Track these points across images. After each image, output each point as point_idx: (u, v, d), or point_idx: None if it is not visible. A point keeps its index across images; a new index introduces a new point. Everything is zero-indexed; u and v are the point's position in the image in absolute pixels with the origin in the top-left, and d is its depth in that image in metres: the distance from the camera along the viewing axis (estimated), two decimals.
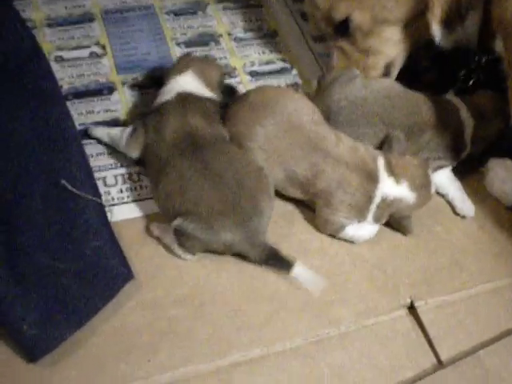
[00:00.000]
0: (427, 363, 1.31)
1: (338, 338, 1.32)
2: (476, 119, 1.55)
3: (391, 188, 1.41)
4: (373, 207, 1.41)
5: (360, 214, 1.41)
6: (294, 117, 1.43)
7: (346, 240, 1.45)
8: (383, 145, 1.48)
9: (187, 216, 1.33)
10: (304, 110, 1.45)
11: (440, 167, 1.53)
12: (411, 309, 1.38)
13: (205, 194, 1.34)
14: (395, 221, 1.45)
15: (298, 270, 1.35)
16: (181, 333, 1.29)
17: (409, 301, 1.38)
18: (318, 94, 1.54)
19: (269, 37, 1.87)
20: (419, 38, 1.58)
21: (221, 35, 1.85)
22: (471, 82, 1.64)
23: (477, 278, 1.43)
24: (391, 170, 1.42)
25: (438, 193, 1.54)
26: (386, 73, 1.62)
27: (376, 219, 1.43)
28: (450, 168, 1.55)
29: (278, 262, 1.36)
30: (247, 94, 1.50)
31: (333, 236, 1.45)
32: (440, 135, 1.52)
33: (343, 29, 1.57)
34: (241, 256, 1.38)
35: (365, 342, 1.32)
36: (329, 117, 1.48)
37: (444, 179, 1.53)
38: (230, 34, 1.85)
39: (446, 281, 1.42)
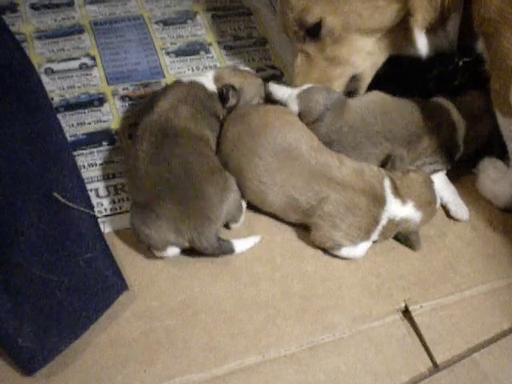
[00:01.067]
0: (423, 367, 1.31)
1: (332, 344, 1.32)
2: (467, 120, 1.55)
3: (398, 209, 1.40)
4: (378, 228, 1.41)
5: (366, 236, 1.41)
6: (294, 146, 1.41)
7: None
8: (386, 164, 1.47)
9: (131, 205, 1.38)
10: (303, 138, 1.43)
11: (435, 171, 1.54)
12: (406, 313, 1.38)
13: (147, 180, 1.36)
14: (403, 237, 1.46)
15: (240, 246, 1.40)
16: (176, 342, 1.29)
17: (403, 305, 1.38)
18: (311, 126, 1.49)
19: (258, 44, 1.88)
20: (395, 50, 1.55)
21: (210, 44, 1.86)
22: (450, 83, 1.63)
23: (471, 280, 1.44)
24: (397, 191, 1.41)
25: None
26: (352, 87, 1.58)
27: (382, 238, 1.43)
28: (444, 172, 1.56)
29: (222, 251, 1.38)
30: (246, 115, 1.47)
31: None
32: (434, 139, 1.52)
33: (313, 32, 1.51)
34: (234, 263, 1.39)
35: (360, 348, 1.32)
36: (331, 146, 1.47)
37: (438, 183, 1.53)
38: (219, 43, 1.86)
39: (440, 284, 1.42)
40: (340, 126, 1.48)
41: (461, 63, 1.59)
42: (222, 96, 1.51)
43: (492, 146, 1.57)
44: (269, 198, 1.42)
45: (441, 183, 1.54)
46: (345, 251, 1.42)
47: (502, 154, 1.54)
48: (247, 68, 1.62)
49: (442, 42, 1.53)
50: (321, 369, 1.29)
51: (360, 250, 1.42)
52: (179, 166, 1.37)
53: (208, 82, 1.53)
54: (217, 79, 1.54)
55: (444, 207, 1.54)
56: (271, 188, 1.41)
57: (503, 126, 1.43)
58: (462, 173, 1.59)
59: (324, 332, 1.33)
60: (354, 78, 1.57)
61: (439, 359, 1.32)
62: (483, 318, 1.38)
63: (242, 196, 1.44)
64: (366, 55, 1.54)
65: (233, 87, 1.52)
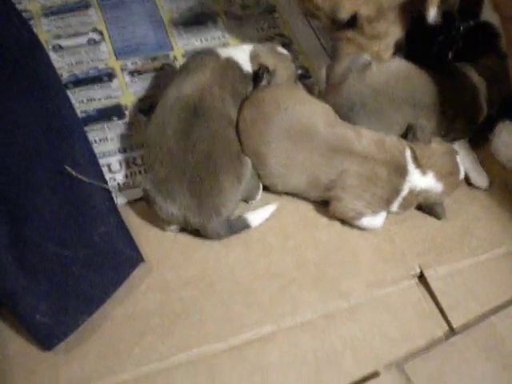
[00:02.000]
0: (439, 331, 1.31)
1: (348, 311, 1.32)
2: (488, 80, 1.54)
3: (418, 180, 1.40)
4: (399, 199, 1.40)
5: (386, 206, 1.41)
6: (309, 124, 1.40)
7: None
8: (408, 134, 1.46)
9: (148, 173, 1.37)
10: (317, 114, 1.43)
11: (458, 139, 1.53)
12: (421, 278, 1.38)
13: (171, 157, 1.36)
14: (427, 207, 1.45)
15: (255, 219, 1.40)
16: (192, 314, 1.30)
17: (418, 270, 1.38)
18: (333, 88, 1.50)
19: (266, 13, 1.86)
20: (415, 12, 1.54)
21: (218, 14, 1.84)
22: (452, 49, 1.61)
23: (486, 244, 1.43)
24: (417, 162, 1.40)
25: None
26: (398, 51, 1.58)
27: (402, 208, 1.42)
28: (466, 139, 1.55)
29: (236, 230, 1.39)
30: (257, 100, 1.46)
31: None
32: (457, 105, 1.51)
33: (350, 24, 1.51)
34: (247, 234, 1.40)
35: (375, 313, 1.32)
36: (352, 109, 1.46)
37: (460, 151, 1.52)
38: (227, 13, 1.84)
39: (455, 248, 1.42)
40: (362, 88, 1.47)
41: (461, 28, 1.57)
42: (257, 76, 1.50)
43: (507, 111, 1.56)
44: (291, 179, 1.42)
45: (462, 151, 1.53)
46: (365, 221, 1.41)
47: None
48: (284, 50, 1.60)
49: (449, 6, 1.51)
50: (336, 335, 1.29)
51: (380, 219, 1.42)
52: (203, 152, 1.36)
53: (244, 60, 1.51)
54: (253, 57, 1.52)
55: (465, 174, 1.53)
56: (293, 169, 1.40)
57: None
58: (476, 137, 1.57)
59: (339, 299, 1.33)
60: (397, 44, 1.57)
61: (455, 323, 1.32)
62: (499, 281, 1.38)
63: (261, 180, 1.44)
64: (400, 21, 1.54)
65: (267, 69, 1.50)
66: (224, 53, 1.52)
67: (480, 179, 1.52)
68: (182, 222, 1.36)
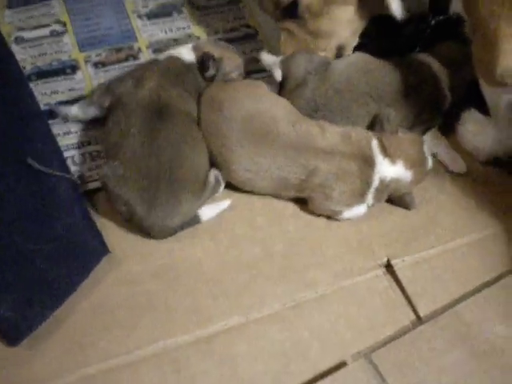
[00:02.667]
0: (406, 320, 1.31)
1: (315, 301, 1.32)
2: (448, 67, 1.55)
3: (387, 169, 1.39)
4: (372, 191, 1.40)
5: (360, 200, 1.40)
6: (271, 125, 1.39)
7: None
8: (374, 125, 1.46)
9: (109, 163, 1.35)
10: (279, 113, 1.41)
11: (427, 129, 1.54)
12: (388, 267, 1.38)
13: (133, 158, 1.34)
14: (396, 199, 1.45)
15: (206, 214, 1.40)
16: (159, 306, 1.29)
17: (385, 259, 1.38)
18: (293, 91, 1.48)
19: (232, 3, 1.85)
20: (373, 14, 1.54)
21: (183, 4, 1.82)
22: (421, 40, 1.61)
23: (452, 232, 1.44)
24: (385, 151, 1.40)
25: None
26: (338, 55, 1.56)
27: (376, 200, 1.42)
28: (436, 127, 1.55)
29: (186, 226, 1.38)
30: (216, 100, 1.42)
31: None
32: (421, 94, 1.51)
33: (291, 11, 1.49)
34: (214, 225, 1.39)
35: (343, 303, 1.32)
36: (316, 111, 1.45)
37: (432, 140, 1.53)
38: (192, 3, 1.83)
39: (422, 237, 1.42)
40: (325, 90, 1.46)
41: (433, 22, 1.58)
42: (201, 64, 1.48)
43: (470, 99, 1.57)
44: (257, 184, 1.40)
45: (434, 140, 1.54)
46: (347, 214, 1.41)
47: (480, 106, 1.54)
48: (228, 45, 1.58)
49: (414, 2, 1.50)
50: (305, 326, 1.29)
51: (362, 207, 1.42)
52: (168, 159, 1.34)
53: (186, 53, 1.50)
54: (196, 49, 1.51)
55: (441, 163, 1.54)
56: (258, 174, 1.39)
57: (486, 93, 1.42)
58: (443, 126, 1.58)
59: (307, 289, 1.33)
60: (339, 48, 1.56)
61: (422, 312, 1.32)
62: (465, 269, 1.39)
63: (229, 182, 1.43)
64: (346, 24, 1.52)
65: (212, 57, 1.48)
66: (163, 54, 1.52)
67: (457, 164, 1.53)
68: (130, 220, 1.35)
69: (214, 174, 1.41)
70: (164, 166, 1.34)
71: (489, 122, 1.51)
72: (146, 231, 1.35)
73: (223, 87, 1.46)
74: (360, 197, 1.40)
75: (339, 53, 1.56)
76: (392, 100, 1.49)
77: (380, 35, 1.61)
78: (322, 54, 1.53)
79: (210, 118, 1.42)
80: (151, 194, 1.32)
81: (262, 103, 1.42)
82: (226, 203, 1.42)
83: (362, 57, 1.54)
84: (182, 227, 1.37)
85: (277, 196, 1.44)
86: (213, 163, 1.42)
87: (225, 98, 1.42)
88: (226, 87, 1.46)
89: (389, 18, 1.51)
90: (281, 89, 1.52)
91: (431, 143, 1.52)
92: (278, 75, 1.50)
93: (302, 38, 1.53)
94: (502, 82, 1.30)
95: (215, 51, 1.51)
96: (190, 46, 1.53)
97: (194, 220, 1.39)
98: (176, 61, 1.49)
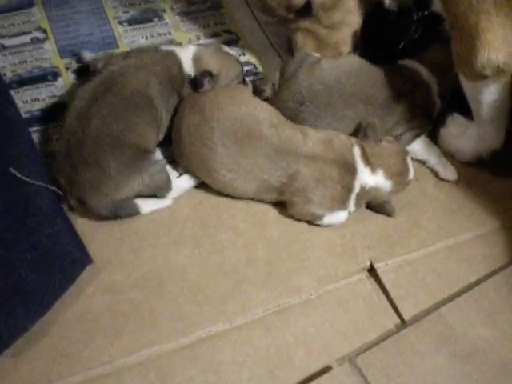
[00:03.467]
0: (390, 323, 1.32)
1: (300, 306, 1.32)
2: (437, 74, 1.55)
3: (368, 178, 1.40)
4: (353, 197, 1.40)
5: (341, 205, 1.40)
6: (254, 127, 1.39)
7: None
8: (358, 132, 1.46)
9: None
10: (262, 116, 1.41)
11: (417, 136, 1.53)
12: (371, 271, 1.39)
13: (69, 128, 1.39)
14: (376, 206, 1.45)
15: (146, 207, 1.41)
16: (143, 314, 1.29)
17: (368, 263, 1.39)
18: (284, 84, 1.49)
19: (213, 9, 1.84)
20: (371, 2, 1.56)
21: (164, 10, 1.82)
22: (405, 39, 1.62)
23: (435, 235, 1.44)
24: (367, 160, 1.40)
25: (418, 160, 1.54)
26: (355, 43, 1.59)
27: (357, 206, 1.42)
28: (425, 134, 1.55)
29: (123, 214, 1.39)
30: (198, 103, 1.43)
31: None
32: (412, 102, 1.51)
33: (305, 11, 1.51)
34: (197, 231, 1.40)
35: (327, 308, 1.32)
36: (302, 104, 1.45)
37: (422, 147, 1.54)
38: (173, 9, 1.83)
39: (405, 240, 1.43)
40: (312, 83, 1.46)
41: (415, 17, 1.58)
42: (196, 82, 1.47)
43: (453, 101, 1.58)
44: (239, 185, 1.40)
45: (424, 147, 1.54)
46: (327, 219, 1.41)
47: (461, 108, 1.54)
48: (230, 50, 1.58)
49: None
50: (289, 331, 1.29)
51: (343, 214, 1.42)
52: (98, 131, 1.37)
53: (187, 60, 1.49)
54: (196, 60, 1.50)
55: (432, 170, 1.54)
56: (240, 174, 1.39)
57: (467, 89, 1.42)
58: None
59: (291, 295, 1.33)
60: (354, 35, 1.58)
61: (406, 315, 1.33)
62: (448, 272, 1.39)
63: (211, 188, 1.43)
64: (356, 10, 1.55)
65: (210, 74, 1.48)
66: (167, 47, 1.53)
67: (448, 172, 1.53)
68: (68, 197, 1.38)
69: (164, 163, 1.44)
70: (94, 136, 1.36)
71: (470, 123, 1.51)
72: (82, 204, 1.37)
73: (208, 92, 1.46)
74: (341, 202, 1.40)
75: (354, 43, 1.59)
76: (383, 106, 1.49)
77: (367, 29, 1.62)
78: (344, 45, 1.57)
79: (192, 120, 1.41)
80: (80, 164, 1.36)
81: (244, 107, 1.42)
82: (167, 202, 1.43)
83: (355, 59, 1.54)
84: (119, 212, 1.38)
85: (258, 199, 1.44)
86: (190, 168, 1.43)
87: (207, 102, 1.42)
88: (209, 92, 1.46)
89: (376, 11, 1.55)
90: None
91: (422, 150, 1.53)
92: (277, 79, 1.51)
93: (320, 33, 1.55)
94: (481, 74, 1.31)
95: (215, 64, 1.50)
96: (191, 53, 1.51)
97: (133, 210, 1.40)
98: (174, 61, 1.49)
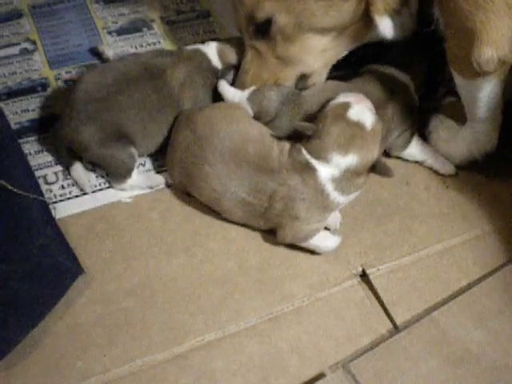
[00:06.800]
0: (383, 329, 1.32)
1: (292, 313, 1.32)
2: (408, 72, 1.55)
3: (328, 170, 1.33)
4: (333, 195, 1.34)
5: (328, 210, 1.36)
6: (241, 146, 1.36)
7: None
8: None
9: None
10: (250, 135, 1.38)
11: (409, 138, 1.53)
12: (363, 276, 1.39)
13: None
14: (372, 171, 1.35)
15: (132, 181, 1.46)
16: (135, 324, 1.29)
17: (360, 269, 1.39)
18: (270, 123, 1.44)
19: (202, 17, 1.85)
20: (355, 43, 1.50)
21: (153, 20, 1.82)
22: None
23: (426, 240, 1.45)
24: (313, 154, 1.33)
25: (416, 162, 1.55)
26: (300, 85, 1.51)
27: (347, 193, 1.35)
28: (417, 135, 1.55)
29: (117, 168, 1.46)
30: (190, 120, 1.42)
31: None
32: (396, 104, 1.51)
33: (263, 29, 1.43)
34: (188, 239, 1.40)
35: (320, 315, 1.32)
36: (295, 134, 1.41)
37: (417, 148, 1.54)
38: (162, 18, 1.83)
39: (396, 245, 1.43)
40: (301, 118, 1.44)
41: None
42: (223, 74, 1.52)
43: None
44: (224, 205, 1.38)
45: (419, 148, 1.54)
46: (317, 240, 1.38)
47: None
48: None
49: (407, 18, 1.47)
50: (282, 339, 1.29)
51: (332, 240, 1.39)
52: (122, 103, 1.44)
53: (213, 55, 1.54)
54: (220, 55, 1.54)
55: (431, 168, 1.55)
56: (224, 195, 1.37)
57: (463, 88, 1.42)
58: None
59: (283, 302, 1.33)
60: (304, 77, 1.51)
61: (399, 320, 1.33)
62: (440, 276, 1.40)
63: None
64: (318, 54, 1.48)
65: (234, 66, 1.53)
66: (191, 47, 1.58)
67: (446, 167, 1.54)
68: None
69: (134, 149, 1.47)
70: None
71: (460, 126, 1.52)
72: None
73: (201, 108, 1.45)
74: (325, 206, 1.36)
75: (301, 83, 1.51)
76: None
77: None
78: (286, 81, 1.48)
79: (185, 137, 1.41)
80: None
81: (235, 125, 1.40)
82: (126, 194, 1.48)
83: (330, 82, 1.52)
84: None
85: (251, 225, 1.41)
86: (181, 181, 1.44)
87: (200, 119, 1.42)
88: (204, 109, 1.45)
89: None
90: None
91: (417, 152, 1.54)
92: (250, 112, 1.45)
93: (268, 60, 1.48)
94: (483, 70, 1.32)
95: (236, 56, 1.55)
96: (214, 48, 1.56)
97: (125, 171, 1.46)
98: (202, 57, 1.54)
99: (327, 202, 1.35)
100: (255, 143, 1.38)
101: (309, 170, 1.34)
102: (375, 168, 1.34)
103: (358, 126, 1.33)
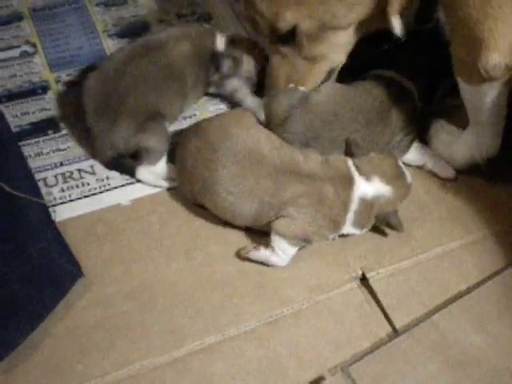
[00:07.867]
0: (382, 333, 1.32)
1: (291, 317, 1.32)
2: (411, 78, 1.56)
3: (365, 187, 1.37)
4: (351, 215, 1.37)
5: (336, 227, 1.38)
6: (255, 149, 1.37)
7: None
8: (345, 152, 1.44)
9: None
10: (264, 139, 1.40)
11: (411, 142, 1.54)
12: (363, 280, 1.39)
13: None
14: (382, 221, 1.41)
15: (143, 174, 1.48)
16: (134, 327, 1.29)
17: (360, 272, 1.39)
18: (281, 126, 1.45)
19: (203, 21, 1.85)
20: (366, 31, 1.50)
21: (153, 23, 1.82)
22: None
23: (425, 243, 1.44)
24: (359, 171, 1.38)
25: (417, 166, 1.55)
26: (327, 78, 1.54)
27: (359, 226, 1.39)
28: (417, 140, 1.56)
29: (121, 166, 1.49)
30: (201, 130, 1.43)
31: None
32: (400, 109, 1.52)
33: (288, 37, 1.45)
34: (188, 243, 1.40)
35: (319, 318, 1.32)
36: (308, 145, 1.43)
37: (416, 153, 1.54)
38: (162, 21, 1.83)
39: (396, 249, 1.43)
40: (311, 120, 1.44)
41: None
42: (217, 60, 1.55)
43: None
44: (240, 208, 1.38)
45: (420, 151, 1.54)
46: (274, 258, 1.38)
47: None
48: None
49: (410, 16, 1.49)
50: (281, 342, 1.29)
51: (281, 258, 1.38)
52: (128, 86, 1.46)
53: (220, 39, 1.58)
54: (227, 42, 1.58)
55: (431, 172, 1.55)
56: (240, 197, 1.37)
57: (468, 94, 1.42)
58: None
59: (282, 306, 1.33)
60: (330, 71, 1.54)
61: (398, 324, 1.32)
62: (440, 280, 1.39)
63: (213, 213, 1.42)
64: (342, 47, 1.50)
65: (234, 58, 1.55)
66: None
67: (445, 170, 1.54)
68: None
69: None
70: (122, 91, 1.46)
71: (462, 130, 1.52)
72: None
73: (210, 118, 1.48)
74: (336, 224, 1.37)
75: (328, 76, 1.54)
76: (380, 120, 1.49)
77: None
78: (317, 77, 1.52)
79: (195, 144, 1.41)
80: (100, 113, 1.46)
81: (247, 130, 1.41)
82: (164, 183, 1.49)
83: (337, 87, 1.53)
84: (118, 161, 1.47)
85: (257, 227, 1.41)
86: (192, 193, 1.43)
87: (210, 126, 1.43)
88: (211, 118, 1.48)
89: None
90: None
91: (417, 156, 1.54)
92: (261, 116, 1.47)
93: (297, 61, 1.50)
94: (489, 76, 1.32)
95: (242, 50, 1.58)
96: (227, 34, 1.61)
97: (129, 169, 1.48)
98: (211, 38, 1.58)
99: (340, 219, 1.37)
100: (272, 148, 1.39)
101: (348, 181, 1.37)
102: (389, 217, 1.40)
103: (403, 173, 1.43)
